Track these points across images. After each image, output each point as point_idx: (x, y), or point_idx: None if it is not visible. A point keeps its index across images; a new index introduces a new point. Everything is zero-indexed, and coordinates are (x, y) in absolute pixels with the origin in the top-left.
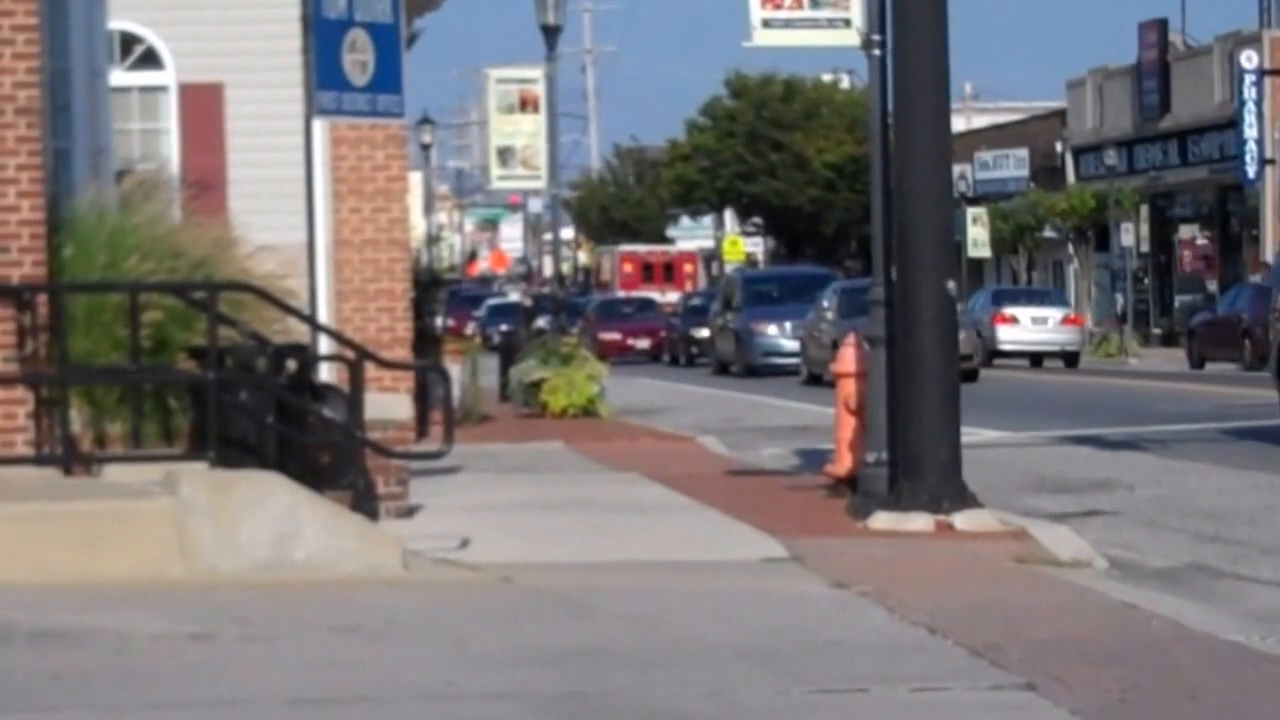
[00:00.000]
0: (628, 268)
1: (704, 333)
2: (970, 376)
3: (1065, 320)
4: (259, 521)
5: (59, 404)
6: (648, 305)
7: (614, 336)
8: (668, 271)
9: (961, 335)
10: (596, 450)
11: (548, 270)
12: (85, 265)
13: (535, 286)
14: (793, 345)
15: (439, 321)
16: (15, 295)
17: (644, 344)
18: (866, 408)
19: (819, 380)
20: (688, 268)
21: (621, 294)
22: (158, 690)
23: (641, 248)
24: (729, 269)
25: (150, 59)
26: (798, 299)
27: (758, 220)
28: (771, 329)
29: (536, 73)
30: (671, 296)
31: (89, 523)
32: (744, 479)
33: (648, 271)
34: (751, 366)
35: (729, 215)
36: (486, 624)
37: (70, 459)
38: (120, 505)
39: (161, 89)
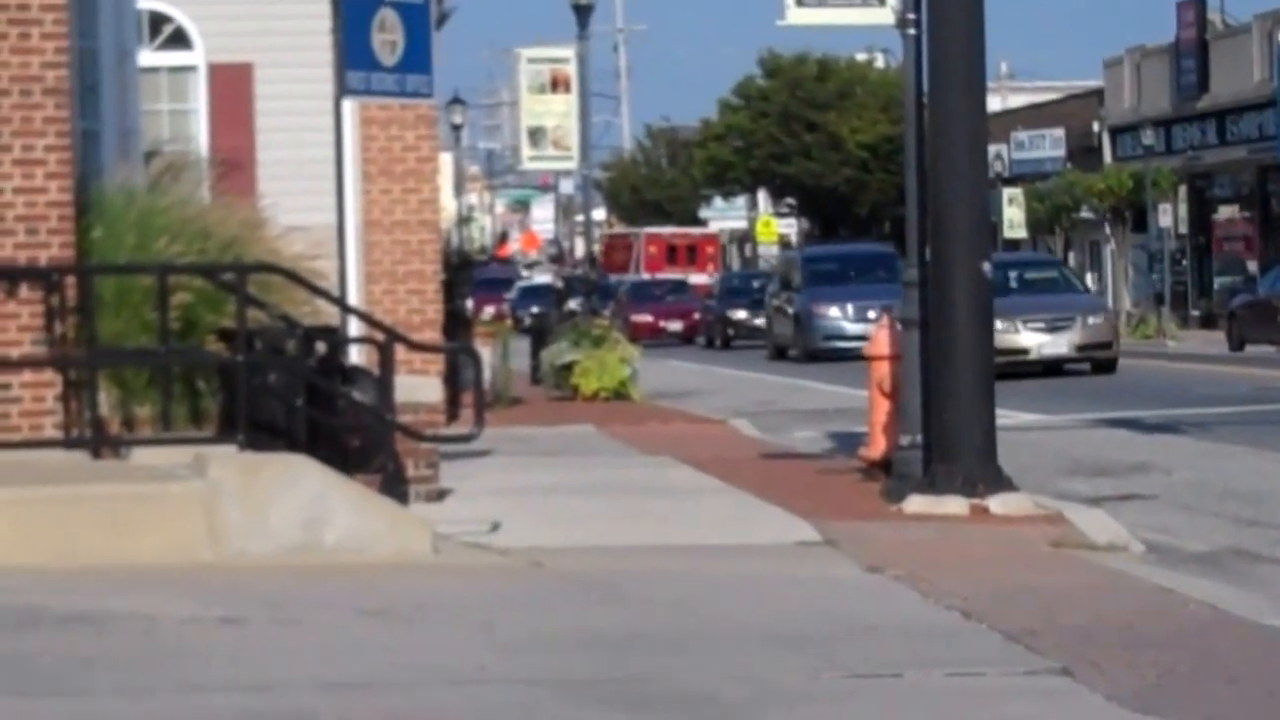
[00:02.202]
0: (652, 249)
1: (741, 314)
2: (1107, 367)
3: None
4: (288, 505)
5: (87, 387)
6: (680, 287)
7: (646, 319)
8: (691, 254)
9: (1100, 320)
10: (628, 433)
11: (579, 252)
12: (114, 247)
13: (566, 268)
14: (857, 328)
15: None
16: (44, 277)
17: (676, 326)
18: (900, 390)
19: (784, 354)
20: (710, 250)
21: (646, 276)
22: (187, 674)
23: (665, 230)
24: (761, 247)
25: (179, 39)
26: (861, 279)
27: (791, 201)
28: (834, 311)
29: (568, 52)
30: (696, 278)
31: (117, 506)
32: (777, 462)
33: (671, 254)
34: (812, 351)
35: (762, 196)
36: (517, 608)
37: (99, 442)
38: (149, 488)
39: (190, 69)
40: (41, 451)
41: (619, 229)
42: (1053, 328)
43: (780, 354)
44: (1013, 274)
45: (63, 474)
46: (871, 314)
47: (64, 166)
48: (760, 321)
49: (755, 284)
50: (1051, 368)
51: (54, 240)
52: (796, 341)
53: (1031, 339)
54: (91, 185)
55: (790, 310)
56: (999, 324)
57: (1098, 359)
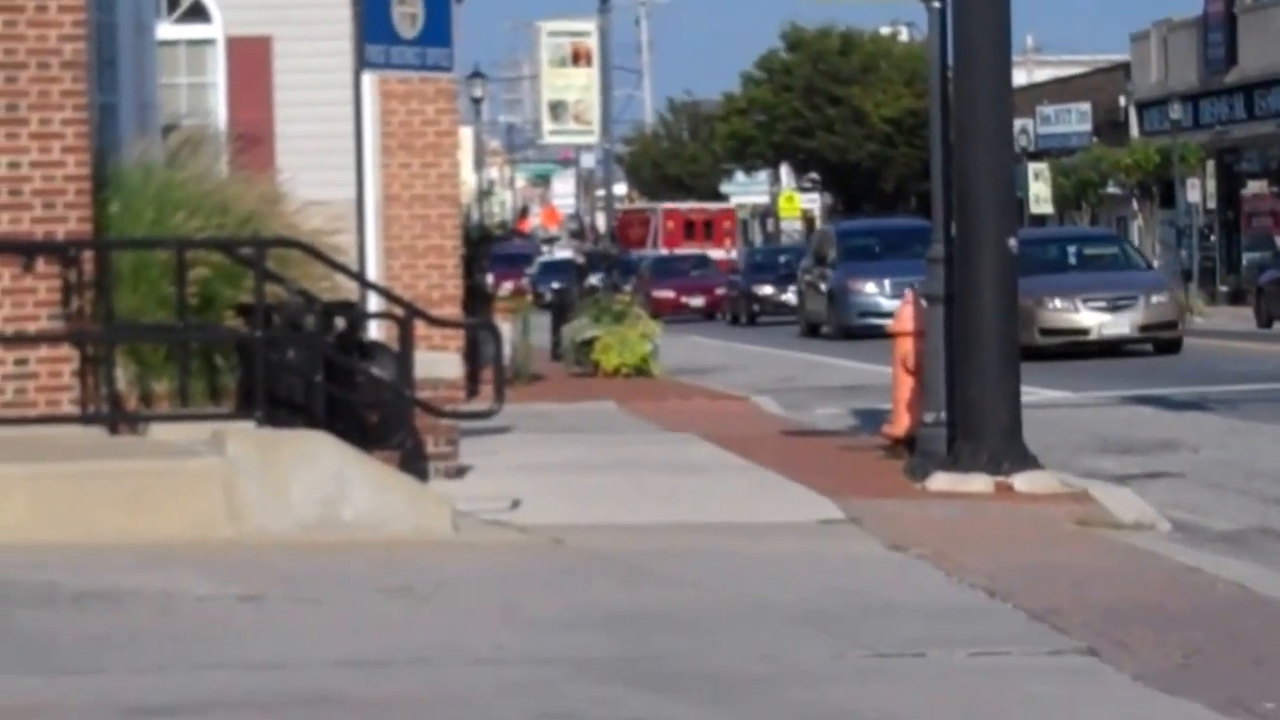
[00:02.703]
0: (670, 225)
1: (767, 290)
2: (1172, 347)
3: None
4: (307, 481)
5: (105, 362)
6: (702, 262)
7: (668, 294)
8: (708, 229)
9: (1164, 298)
10: (649, 410)
11: (601, 227)
12: (131, 221)
13: (586, 243)
14: (893, 305)
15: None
16: (61, 252)
17: (698, 302)
18: (924, 367)
19: (816, 331)
20: (727, 224)
21: (664, 251)
22: (204, 651)
23: (682, 205)
24: (784, 222)
25: (197, 12)
26: (897, 253)
27: (814, 176)
28: (869, 287)
29: (589, 25)
30: (713, 253)
31: (135, 482)
32: (799, 439)
33: (689, 229)
34: (847, 328)
35: (785, 171)
36: (537, 586)
37: (116, 418)
38: (166, 465)
39: (209, 42)
40: (58, 427)
41: (636, 204)
42: (1114, 307)
43: (812, 331)
44: (1071, 250)
45: (80, 450)
46: (909, 292)
47: (81, 140)
48: (787, 297)
49: (782, 259)
50: (1110, 348)
51: (71, 215)
52: (830, 318)
53: (1092, 318)
54: (109, 159)
55: (824, 286)
56: (1057, 303)
57: (1161, 339)
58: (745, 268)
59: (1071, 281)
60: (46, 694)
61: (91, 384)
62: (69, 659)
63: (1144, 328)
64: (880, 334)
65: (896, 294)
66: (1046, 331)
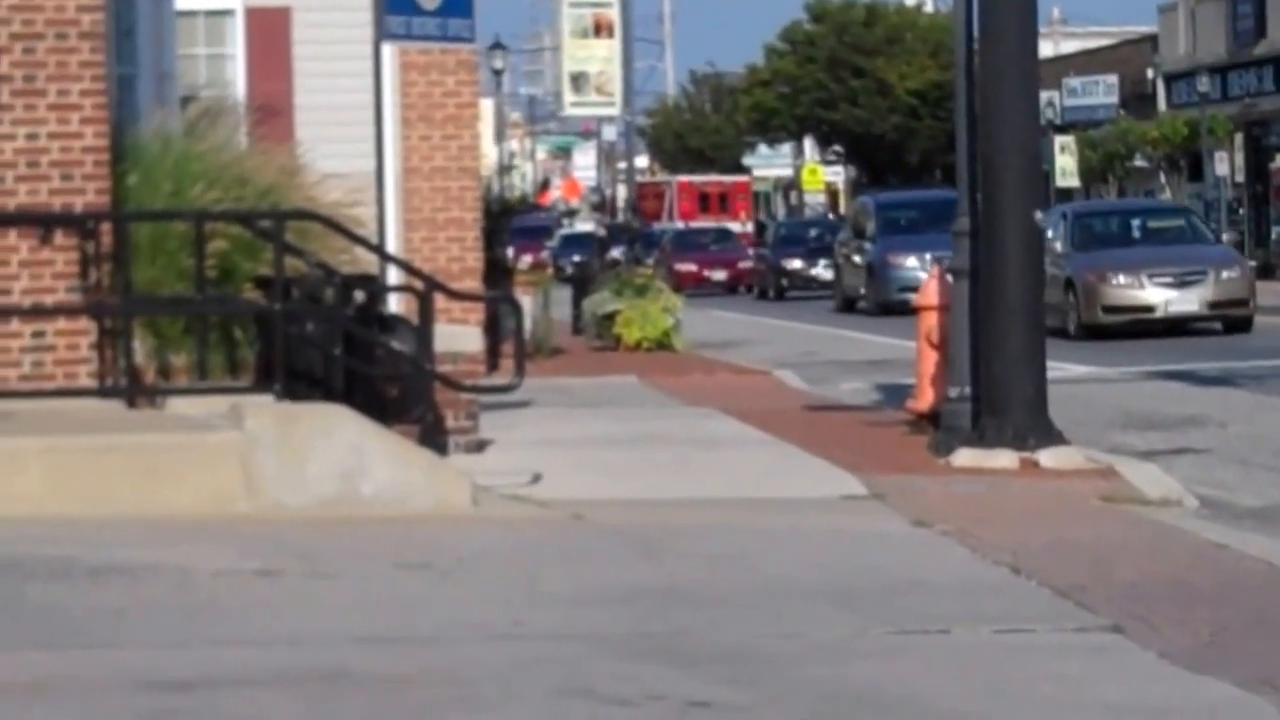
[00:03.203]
0: (685, 197)
1: (796, 264)
2: (1242, 326)
3: None
4: (326, 456)
5: (122, 335)
6: (724, 235)
7: (690, 268)
8: (723, 201)
9: (1235, 274)
10: (671, 384)
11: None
12: (150, 193)
13: (605, 216)
14: None
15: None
16: (79, 224)
17: (721, 275)
18: (949, 341)
19: (852, 305)
20: (742, 197)
21: (679, 224)
22: (221, 627)
23: (698, 178)
24: (807, 195)
25: None
26: (939, 226)
27: (838, 149)
28: (910, 261)
29: None
30: (729, 226)
31: (152, 456)
32: (822, 414)
33: (704, 201)
34: (885, 303)
35: (808, 143)
36: (557, 562)
37: (134, 391)
38: (184, 438)
39: (228, 13)
40: (76, 400)
41: (652, 177)
42: (1181, 283)
43: (849, 306)
44: (1135, 223)
45: (97, 423)
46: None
47: (99, 112)
48: (817, 271)
49: (811, 232)
50: (1177, 326)
51: (89, 186)
52: (869, 293)
53: (1157, 295)
54: (127, 131)
55: (861, 260)
56: (1121, 278)
57: (1232, 317)
58: (773, 241)
59: (1136, 256)
60: (61, 668)
61: (109, 357)
62: (84, 633)
63: (1213, 305)
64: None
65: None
66: (1110, 309)
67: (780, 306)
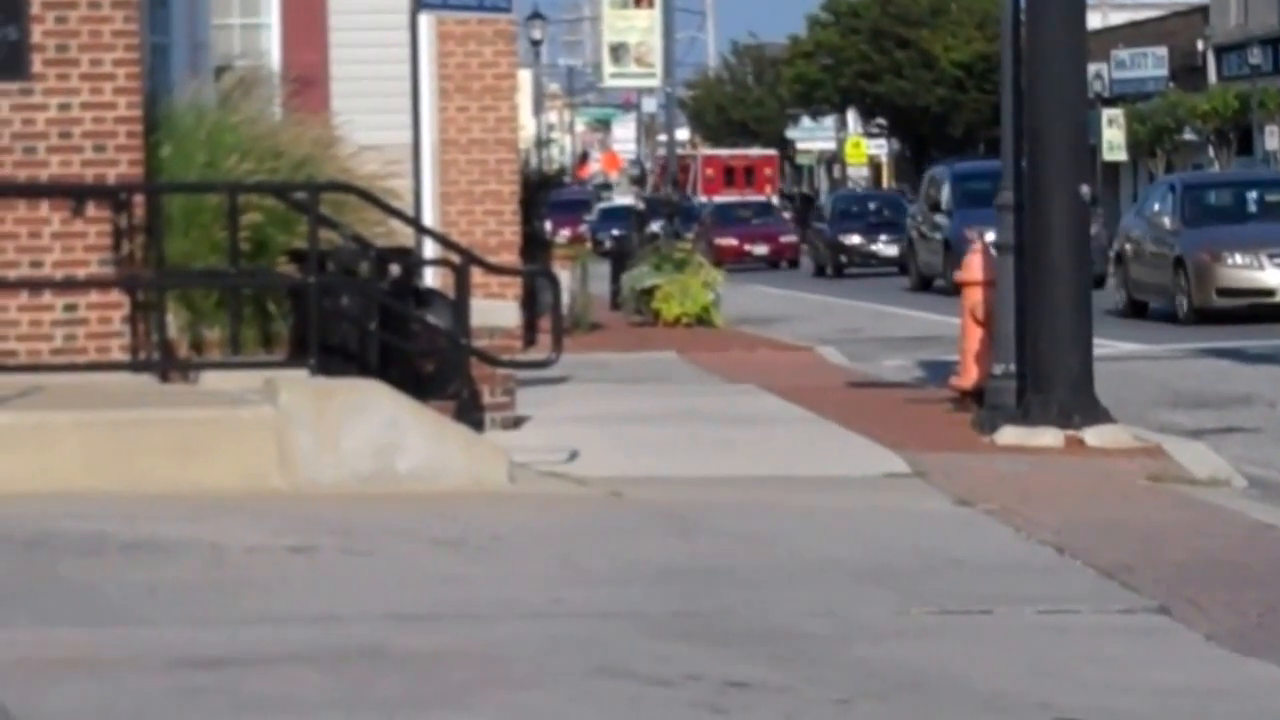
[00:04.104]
0: (710, 172)
1: (855, 239)
2: None
3: None
4: (360, 431)
5: (155, 308)
6: (766, 209)
7: (731, 242)
8: (748, 175)
9: None
10: (710, 360)
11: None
12: (183, 165)
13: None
14: None
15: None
16: (111, 195)
17: (762, 250)
18: (994, 318)
19: (1144, 310)
20: (768, 170)
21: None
22: (254, 604)
23: (724, 152)
24: (851, 169)
25: None
26: None
27: (882, 121)
28: (990, 236)
29: None
30: (753, 199)
31: (185, 431)
32: (864, 391)
33: (729, 175)
34: None
35: (851, 116)
36: (594, 540)
37: (167, 365)
38: (218, 413)
39: None
40: (108, 374)
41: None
42: None
43: (925, 285)
44: (1251, 196)
45: (130, 398)
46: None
47: (132, 82)
48: (877, 247)
49: (871, 205)
50: None
51: (122, 158)
52: (948, 271)
53: (1279, 277)
54: (161, 101)
55: (939, 235)
56: (1238, 258)
57: None
58: (831, 214)
59: (1254, 233)
60: (93, 645)
61: (142, 330)
62: (116, 610)
63: None
64: None
65: None
66: (1225, 291)
67: (840, 285)
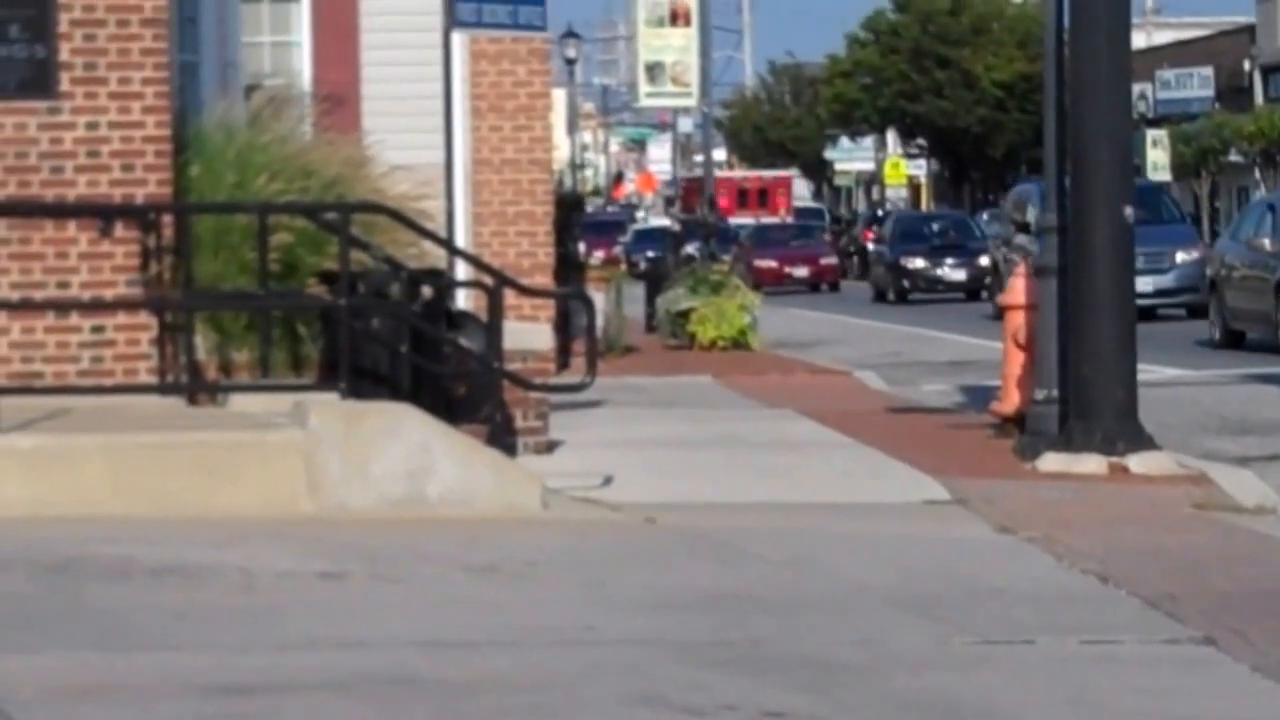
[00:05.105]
0: (722, 193)
1: (918, 263)
2: None
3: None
4: (391, 455)
5: (184, 330)
6: (806, 231)
7: (771, 264)
8: (762, 196)
9: None
10: (747, 384)
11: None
12: (212, 185)
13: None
14: None
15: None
16: (140, 215)
17: (803, 272)
18: (1036, 342)
19: (1240, 340)
20: (781, 192)
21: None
22: (284, 630)
23: (737, 174)
24: (890, 190)
25: None
26: None
27: (921, 142)
28: None
29: None
30: (766, 221)
31: (214, 454)
32: (904, 416)
33: (742, 197)
34: None
35: (891, 136)
36: (628, 566)
37: (195, 388)
38: (247, 436)
39: None
40: (136, 397)
41: (694, 173)
42: None
43: (1002, 313)
44: None
45: (158, 420)
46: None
47: (161, 100)
48: (943, 271)
49: (936, 226)
50: None
51: (150, 177)
52: None
53: None
54: (190, 120)
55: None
56: None
57: None
58: (891, 236)
59: None
60: (120, 671)
61: (170, 352)
62: (144, 636)
63: None
64: None
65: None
66: None
67: (904, 311)
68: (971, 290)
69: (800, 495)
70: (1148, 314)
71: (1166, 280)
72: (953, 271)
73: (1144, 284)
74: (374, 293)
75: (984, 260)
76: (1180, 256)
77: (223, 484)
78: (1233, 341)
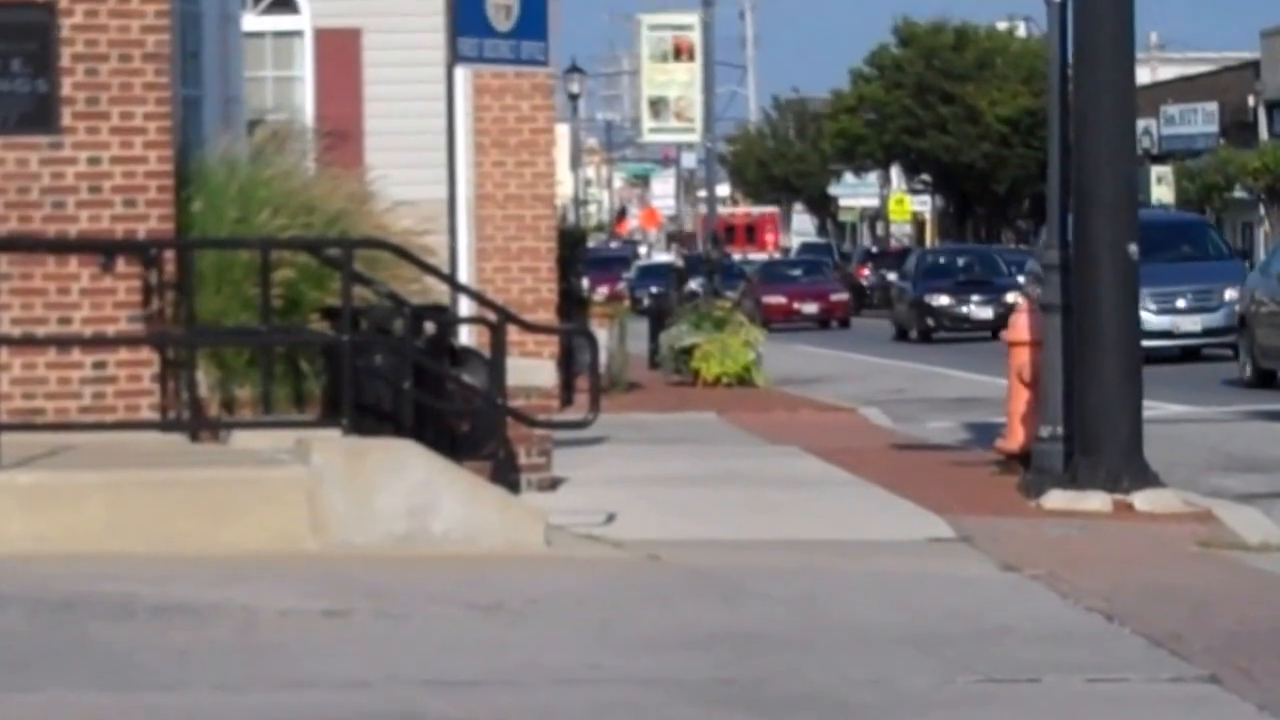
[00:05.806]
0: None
1: (943, 300)
2: None
3: None
4: (394, 493)
5: (186, 366)
6: (815, 267)
7: (779, 300)
8: (749, 233)
9: None
10: (752, 421)
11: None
12: (214, 220)
13: (685, 246)
14: (1160, 322)
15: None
16: (142, 251)
17: (811, 309)
18: (1041, 379)
19: (1271, 379)
20: (769, 228)
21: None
22: (287, 668)
23: (724, 210)
24: (894, 226)
25: (285, 3)
26: (1161, 256)
27: (926, 177)
28: (1147, 303)
29: (692, 19)
30: (754, 257)
31: (216, 491)
32: (909, 453)
33: (729, 233)
34: None
35: (895, 172)
36: (633, 604)
37: (197, 424)
38: (249, 473)
39: (296, 34)
40: (138, 433)
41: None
42: None
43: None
44: None
45: (159, 457)
46: (1181, 303)
47: (164, 135)
48: (970, 310)
49: (960, 261)
50: None
51: (152, 212)
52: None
53: None
54: (192, 155)
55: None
56: None
57: None
58: (916, 273)
59: None
60: (123, 711)
61: (172, 389)
62: (147, 674)
63: None
64: (1151, 358)
65: (1165, 308)
66: None
67: (930, 351)
68: (998, 329)
69: (805, 533)
70: (1193, 354)
71: (1215, 319)
72: (979, 309)
73: (1190, 323)
74: (377, 329)
75: (1010, 297)
76: (1229, 294)
77: (225, 521)
78: (1263, 380)
